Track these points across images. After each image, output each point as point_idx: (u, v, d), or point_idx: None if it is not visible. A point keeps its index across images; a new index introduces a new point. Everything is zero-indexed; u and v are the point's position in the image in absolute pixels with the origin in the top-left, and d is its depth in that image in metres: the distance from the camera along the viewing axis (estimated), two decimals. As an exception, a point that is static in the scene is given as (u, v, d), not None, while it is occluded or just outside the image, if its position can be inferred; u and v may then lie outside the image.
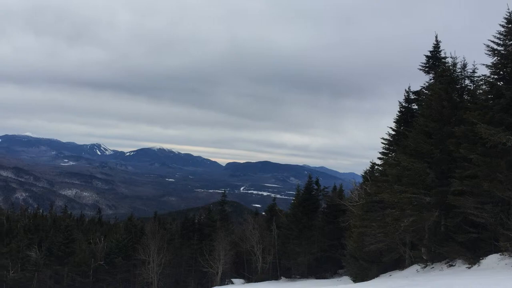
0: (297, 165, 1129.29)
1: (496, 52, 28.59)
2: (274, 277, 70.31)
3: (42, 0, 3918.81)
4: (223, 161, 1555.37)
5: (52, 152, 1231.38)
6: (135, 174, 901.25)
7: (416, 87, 41.94)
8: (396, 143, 40.05)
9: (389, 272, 38.73)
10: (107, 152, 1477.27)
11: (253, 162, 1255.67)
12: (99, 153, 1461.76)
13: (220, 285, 69.60)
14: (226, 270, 73.22)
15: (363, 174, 49.48)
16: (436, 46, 39.02)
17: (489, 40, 28.58)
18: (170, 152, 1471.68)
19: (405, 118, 41.56)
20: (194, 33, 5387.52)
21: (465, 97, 33.45)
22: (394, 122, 42.32)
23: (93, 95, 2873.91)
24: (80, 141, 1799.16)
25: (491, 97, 29.56)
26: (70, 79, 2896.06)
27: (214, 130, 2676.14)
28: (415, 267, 34.88)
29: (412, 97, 42.08)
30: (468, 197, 28.74)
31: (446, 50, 38.18)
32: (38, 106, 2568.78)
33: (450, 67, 33.84)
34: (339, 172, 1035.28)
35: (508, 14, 27.71)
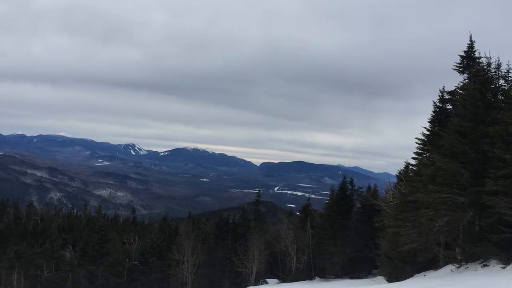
0: (331, 165, 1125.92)
1: (530, 51, 28.47)
2: (308, 277, 70.32)
3: (76, 0, 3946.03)
4: (257, 161, 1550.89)
5: (86, 152, 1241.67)
6: (170, 174, 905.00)
7: (450, 87, 41.86)
8: (430, 143, 40.01)
9: (423, 272, 38.69)
10: (141, 152, 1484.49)
11: (288, 162, 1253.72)
12: (133, 153, 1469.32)
13: (255, 285, 69.78)
14: (260, 270, 73.38)
15: (398, 174, 49.35)
16: (471, 46, 38.86)
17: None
18: (205, 152, 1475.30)
19: (439, 118, 41.50)
20: (229, 33, 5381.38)
21: (499, 97, 33.40)
22: (429, 122, 42.28)
23: (127, 95, 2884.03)
24: (114, 141, 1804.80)
25: (525, 96, 29.50)
26: (104, 79, 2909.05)
27: (249, 130, 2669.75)
28: (450, 267, 34.83)
29: (447, 97, 41.98)
30: (502, 197, 28.66)
31: (481, 50, 37.98)
32: (72, 106, 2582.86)
33: (484, 67, 33.79)
34: (373, 172, 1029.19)
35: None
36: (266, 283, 71.50)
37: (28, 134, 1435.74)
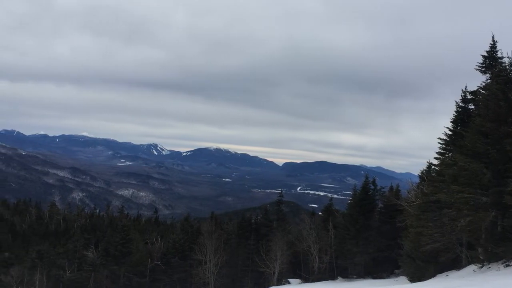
0: (353, 165, 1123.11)
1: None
2: (331, 277, 70.39)
3: (98, 0, 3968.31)
4: (279, 161, 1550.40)
5: (109, 152, 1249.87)
6: (192, 174, 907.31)
7: (472, 87, 41.78)
8: (452, 143, 39.98)
9: (445, 272, 38.66)
10: (163, 152, 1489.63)
11: (310, 162, 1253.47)
12: (155, 153, 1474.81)
13: (277, 285, 69.83)
14: (283, 270, 73.41)
15: (420, 174, 49.27)
16: (493, 46, 38.72)
17: (546, 39, 28.39)
18: (227, 152, 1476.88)
19: (461, 118, 41.49)
20: (251, 33, 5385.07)
21: (522, 97, 33.30)
22: (451, 122, 42.28)
23: (149, 95, 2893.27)
24: (136, 141, 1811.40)
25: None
26: (127, 79, 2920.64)
27: (271, 130, 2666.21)
28: (472, 267, 34.81)
29: (469, 97, 41.96)
30: (525, 197, 28.62)
31: (503, 50, 37.86)
32: (95, 106, 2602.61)
33: (507, 67, 33.70)
34: (395, 172, 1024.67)
35: None
36: (289, 283, 71.57)
37: (51, 134, 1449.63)
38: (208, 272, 74.80)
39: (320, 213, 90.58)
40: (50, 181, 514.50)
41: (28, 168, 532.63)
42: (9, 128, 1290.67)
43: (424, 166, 48.28)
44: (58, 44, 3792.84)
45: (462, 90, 42.46)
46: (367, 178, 69.28)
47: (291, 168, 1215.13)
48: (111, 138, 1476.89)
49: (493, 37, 38.66)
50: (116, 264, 78.50)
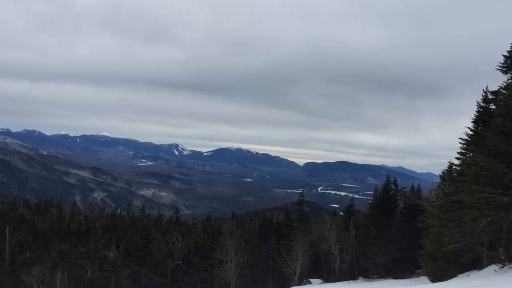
0: (374, 165, 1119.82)
1: None
2: (352, 277, 70.34)
3: (119, 0, 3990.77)
4: (301, 161, 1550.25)
5: (130, 152, 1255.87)
6: (213, 174, 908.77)
7: (494, 87, 41.70)
8: (474, 143, 39.89)
9: (467, 272, 38.63)
10: (184, 152, 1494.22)
11: (331, 162, 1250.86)
12: (176, 153, 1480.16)
13: (298, 285, 69.94)
14: (304, 270, 73.49)
15: (441, 174, 49.16)
16: (514, 46, 38.69)
17: None
18: (248, 152, 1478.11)
19: (483, 118, 41.36)
20: (271, 33, 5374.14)
21: (543, 97, 33.19)
22: (472, 122, 42.17)
23: (170, 95, 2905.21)
24: (157, 141, 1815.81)
25: None
26: (147, 79, 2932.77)
27: (292, 130, 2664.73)
28: (493, 267, 34.77)
29: (490, 97, 41.83)
30: (546, 197, 28.53)
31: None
32: (116, 106, 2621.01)
33: (528, 67, 33.64)
34: (416, 172, 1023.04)
35: None
36: (310, 283, 71.66)
37: (72, 134, 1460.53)
38: (229, 272, 74.94)
39: (341, 213, 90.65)
40: (71, 181, 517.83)
41: (49, 168, 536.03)
42: (30, 128, 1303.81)
43: (445, 166, 48.22)
44: (78, 44, 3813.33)
45: (483, 90, 42.40)
46: (388, 178, 69.17)
47: (312, 168, 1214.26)
48: (132, 138, 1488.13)
49: (514, 37, 38.59)
50: (137, 264, 78.85)
